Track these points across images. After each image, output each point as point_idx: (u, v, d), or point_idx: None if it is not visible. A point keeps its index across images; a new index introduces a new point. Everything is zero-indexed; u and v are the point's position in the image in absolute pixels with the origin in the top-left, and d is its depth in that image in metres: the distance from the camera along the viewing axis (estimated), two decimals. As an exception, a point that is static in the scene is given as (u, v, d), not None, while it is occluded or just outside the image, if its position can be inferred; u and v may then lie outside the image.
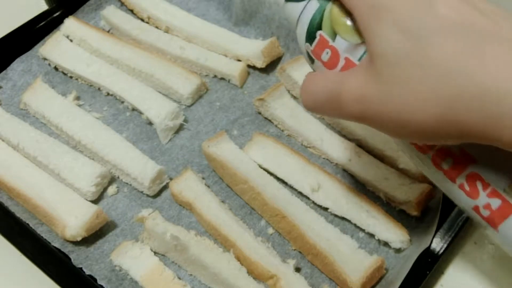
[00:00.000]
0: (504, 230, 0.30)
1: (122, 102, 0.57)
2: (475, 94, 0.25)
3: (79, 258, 0.46)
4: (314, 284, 0.45)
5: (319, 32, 0.34)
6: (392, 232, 0.46)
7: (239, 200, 0.50)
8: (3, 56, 0.59)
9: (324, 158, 0.52)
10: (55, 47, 0.60)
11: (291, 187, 0.50)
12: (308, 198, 0.49)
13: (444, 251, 0.44)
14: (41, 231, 0.47)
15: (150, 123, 0.55)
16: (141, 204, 0.50)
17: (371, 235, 0.47)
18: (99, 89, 0.58)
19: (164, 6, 0.64)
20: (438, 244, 0.45)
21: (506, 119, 0.25)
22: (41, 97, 0.56)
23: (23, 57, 0.60)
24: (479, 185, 0.30)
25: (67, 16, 0.62)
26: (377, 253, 0.45)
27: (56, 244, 0.47)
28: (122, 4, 0.65)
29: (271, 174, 0.50)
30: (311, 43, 0.34)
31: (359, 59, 0.32)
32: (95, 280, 0.45)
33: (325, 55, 0.33)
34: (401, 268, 0.44)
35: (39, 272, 0.44)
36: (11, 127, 0.53)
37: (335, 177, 0.49)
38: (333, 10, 0.33)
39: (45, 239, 0.47)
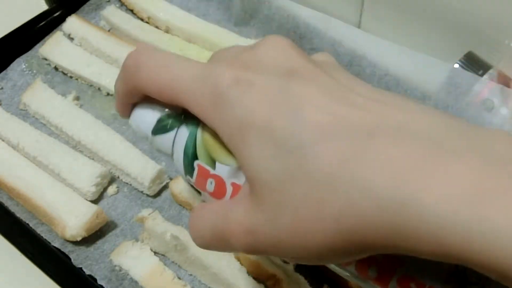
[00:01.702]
0: None
1: (122, 102, 0.57)
2: (365, 204, 0.21)
3: (79, 258, 0.46)
4: (314, 284, 0.45)
5: (196, 162, 0.29)
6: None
7: (239, 200, 0.50)
8: (3, 56, 0.59)
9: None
10: (55, 47, 0.60)
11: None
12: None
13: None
14: (41, 231, 0.47)
15: (150, 123, 0.55)
16: (141, 204, 0.50)
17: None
18: (99, 89, 0.58)
19: (164, 6, 0.64)
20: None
21: (408, 228, 0.20)
22: (41, 97, 0.56)
23: (23, 57, 0.60)
24: (414, 287, 0.26)
25: (67, 16, 0.62)
26: (377, 253, 0.45)
27: (56, 244, 0.47)
28: (122, 4, 0.65)
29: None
30: (191, 176, 0.30)
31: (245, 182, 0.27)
32: (95, 280, 0.45)
33: (210, 186, 0.29)
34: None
35: (39, 272, 0.44)
36: (11, 127, 0.53)
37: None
38: (204, 135, 0.28)
39: (45, 239, 0.47)
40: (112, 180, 0.52)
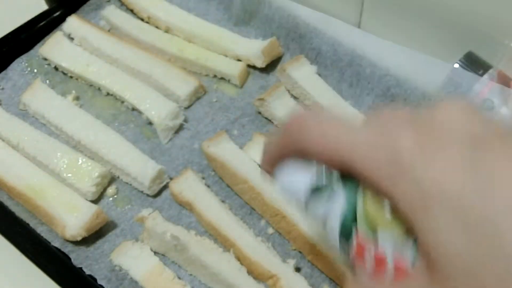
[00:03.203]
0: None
1: (122, 102, 0.57)
2: None
3: (79, 258, 0.46)
4: (314, 284, 0.45)
5: (354, 229, 0.26)
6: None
7: (239, 200, 0.50)
8: (3, 56, 0.59)
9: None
10: (55, 47, 0.60)
11: (291, 187, 0.50)
12: (308, 198, 0.49)
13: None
14: (41, 231, 0.47)
15: (150, 123, 0.55)
16: (141, 204, 0.50)
17: (371, 235, 0.47)
18: (99, 89, 0.58)
19: (164, 6, 0.64)
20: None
21: None
22: (41, 97, 0.56)
23: (23, 57, 0.60)
24: None
25: (67, 16, 0.62)
26: (377, 253, 0.45)
27: (56, 244, 0.47)
28: (122, 4, 0.65)
29: (271, 174, 0.50)
30: (348, 243, 0.27)
31: (413, 259, 0.24)
32: (95, 280, 0.45)
33: (368, 256, 0.26)
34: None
35: (39, 272, 0.44)
36: (11, 127, 0.53)
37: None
38: (366, 200, 0.26)
39: (45, 239, 0.47)
40: (112, 180, 0.52)
